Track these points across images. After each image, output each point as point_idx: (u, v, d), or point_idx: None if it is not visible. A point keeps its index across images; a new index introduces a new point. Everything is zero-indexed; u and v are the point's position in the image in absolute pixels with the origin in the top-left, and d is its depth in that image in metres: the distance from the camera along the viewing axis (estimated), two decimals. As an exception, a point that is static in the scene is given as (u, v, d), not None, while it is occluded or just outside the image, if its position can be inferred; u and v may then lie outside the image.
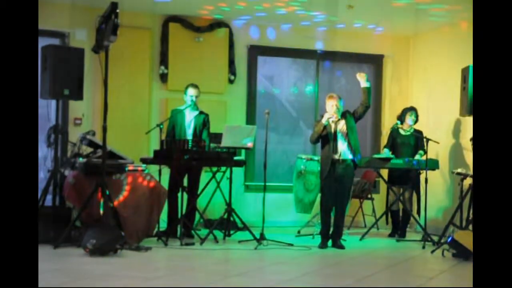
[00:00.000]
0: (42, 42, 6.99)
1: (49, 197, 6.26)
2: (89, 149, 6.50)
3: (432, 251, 6.03)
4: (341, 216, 6.34)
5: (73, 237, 5.90)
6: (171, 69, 7.77)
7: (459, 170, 6.34)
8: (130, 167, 6.25)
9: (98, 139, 6.42)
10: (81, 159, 6.09)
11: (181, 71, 7.75)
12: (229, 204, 6.48)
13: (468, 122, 7.11)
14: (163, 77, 7.75)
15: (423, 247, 6.37)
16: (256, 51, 8.18)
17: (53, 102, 6.26)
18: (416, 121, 7.13)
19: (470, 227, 5.93)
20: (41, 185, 6.37)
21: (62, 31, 7.35)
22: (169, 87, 7.79)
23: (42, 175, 6.38)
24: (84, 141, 6.41)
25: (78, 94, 6.21)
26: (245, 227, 6.46)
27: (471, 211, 6.00)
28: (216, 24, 7.89)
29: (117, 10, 5.32)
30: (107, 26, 5.41)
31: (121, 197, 6.09)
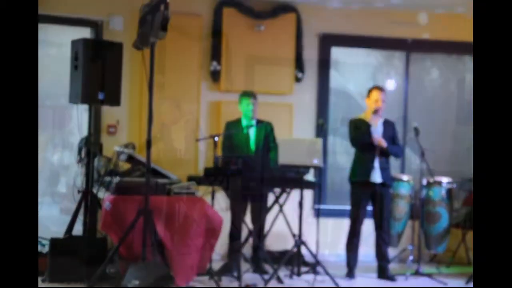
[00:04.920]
0: (71, 32, 7.19)
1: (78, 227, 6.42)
2: (126, 165, 6.63)
3: None
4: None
5: (109, 275, 6.04)
6: (225, 65, 7.83)
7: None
8: (178, 189, 6.32)
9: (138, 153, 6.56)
10: (117, 178, 6.20)
11: (237, 68, 7.83)
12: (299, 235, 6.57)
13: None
14: (215, 75, 7.82)
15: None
16: (330, 41, 8.17)
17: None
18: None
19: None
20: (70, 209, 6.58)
21: (94, 19, 7.48)
22: (222, 87, 7.86)
23: (72, 197, 6.52)
24: (122, 156, 6.52)
25: (115, 99, 6.32)
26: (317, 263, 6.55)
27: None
28: (281, 9, 7.90)
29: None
30: (155, 18, 5.44)
31: (167, 227, 6.16)
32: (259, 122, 7.00)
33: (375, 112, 6.82)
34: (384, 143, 6.77)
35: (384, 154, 6.85)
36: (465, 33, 8.16)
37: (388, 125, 6.98)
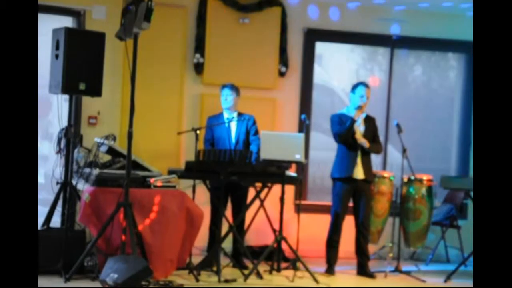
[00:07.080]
0: (52, 21, 7.14)
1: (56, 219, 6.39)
2: (106, 157, 6.62)
3: None
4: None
5: (87, 268, 6.04)
6: (208, 58, 7.80)
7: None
8: (158, 183, 6.32)
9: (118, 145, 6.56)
10: (97, 170, 6.18)
11: (221, 61, 7.83)
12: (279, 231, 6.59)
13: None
14: (198, 68, 7.79)
15: None
16: (314, 36, 8.19)
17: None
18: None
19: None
20: (48, 200, 6.56)
21: (77, 8, 7.43)
22: (205, 80, 7.84)
23: (50, 188, 6.49)
24: (102, 148, 6.50)
25: (96, 89, 6.30)
26: (297, 259, 6.59)
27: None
28: (266, 2, 7.90)
29: (152, -10, 5.33)
30: (138, 9, 5.44)
31: (147, 220, 6.16)
32: (240, 115, 7.03)
33: (360, 108, 6.85)
34: (366, 144, 6.82)
35: (366, 150, 6.90)
36: (450, 30, 8.33)
37: (370, 121, 7.03)
